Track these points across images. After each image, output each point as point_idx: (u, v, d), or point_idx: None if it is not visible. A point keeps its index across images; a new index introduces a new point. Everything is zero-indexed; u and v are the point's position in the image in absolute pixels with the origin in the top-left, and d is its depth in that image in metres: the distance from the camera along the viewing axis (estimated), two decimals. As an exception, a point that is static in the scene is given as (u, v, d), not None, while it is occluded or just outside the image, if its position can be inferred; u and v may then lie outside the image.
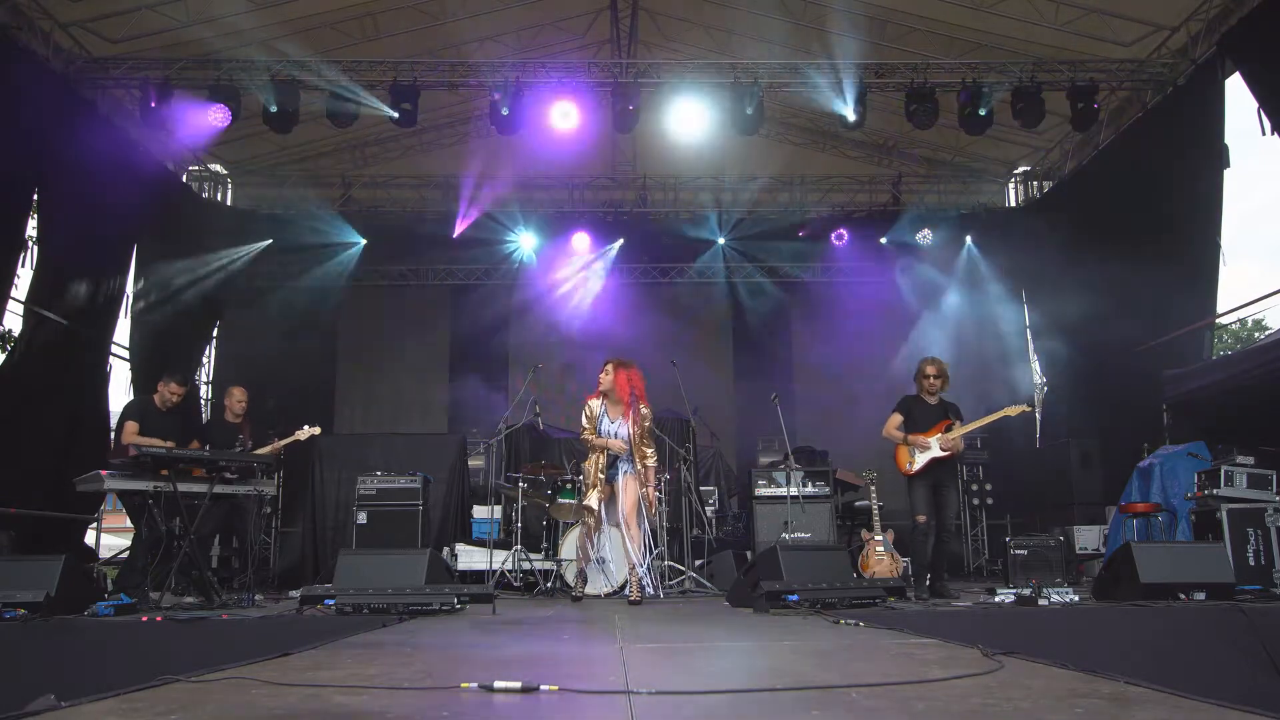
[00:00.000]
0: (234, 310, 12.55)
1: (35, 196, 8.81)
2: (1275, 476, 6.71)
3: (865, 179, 13.38)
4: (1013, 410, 6.79)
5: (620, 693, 2.33)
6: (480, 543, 8.44)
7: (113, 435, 8.27)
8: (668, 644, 3.72)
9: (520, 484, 8.11)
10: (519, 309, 13.63)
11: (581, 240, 13.24)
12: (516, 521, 8.01)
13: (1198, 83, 9.21)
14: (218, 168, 12.78)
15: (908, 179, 13.42)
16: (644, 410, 6.53)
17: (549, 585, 7.39)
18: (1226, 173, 8.82)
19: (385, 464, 8.61)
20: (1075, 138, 11.58)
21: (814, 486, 8.60)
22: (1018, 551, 7.76)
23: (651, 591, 6.79)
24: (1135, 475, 8.19)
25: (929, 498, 6.70)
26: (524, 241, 13.19)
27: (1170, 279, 9.08)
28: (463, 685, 2.37)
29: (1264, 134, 8.17)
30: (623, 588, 7.03)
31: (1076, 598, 5.39)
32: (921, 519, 6.69)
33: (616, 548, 6.94)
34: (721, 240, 13.36)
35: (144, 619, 4.68)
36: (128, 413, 7.24)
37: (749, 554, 8.06)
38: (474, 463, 10.18)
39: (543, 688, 2.28)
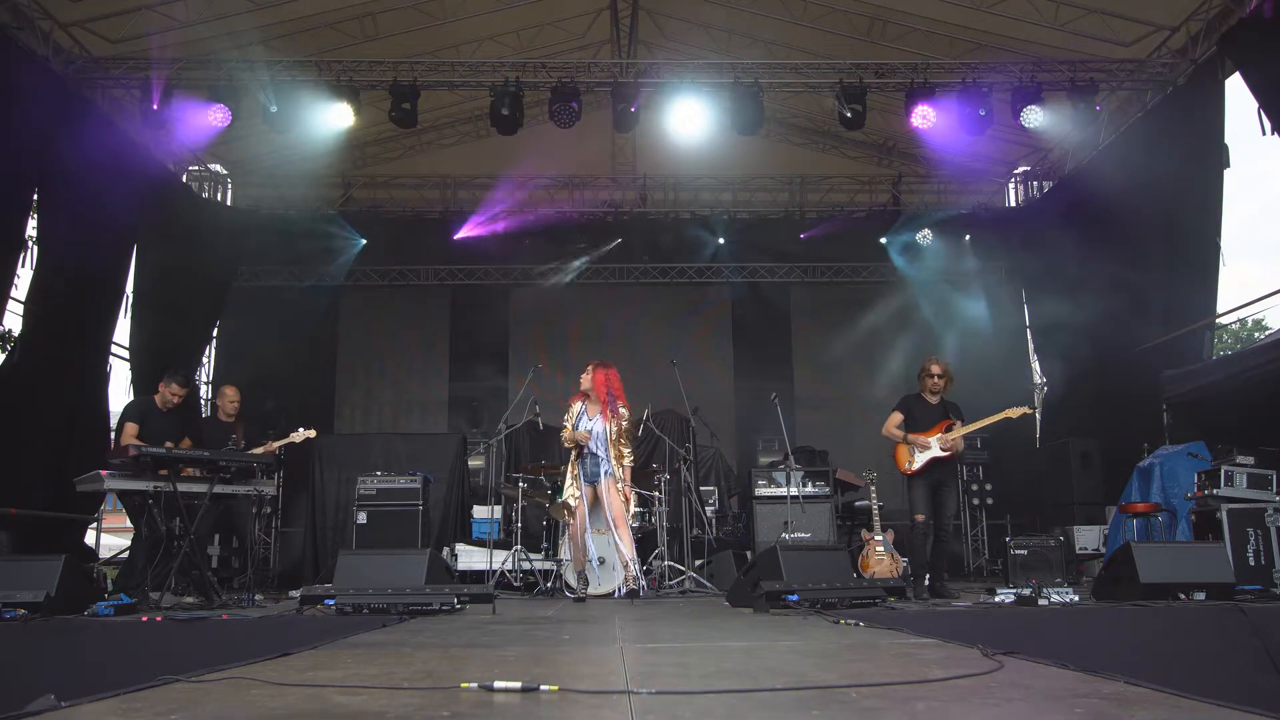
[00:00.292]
0: (234, 310, 12.55)
1: (35, 196, 8.81)
2: (1275, 476, 6.71)
3: (865, 179, 13.38)
4: (1014, 412, 6.79)
5: (620, 693, 2.33)
6: (480, 543, 8.44)
7: (113, 435, 8.27)
8: (668, 644, 3.72)
9: (520, 484, 8.11)
10: (519, 309, 13.63)
11: (582, 240, 13.24)
12: (516, 521, 8.01)
13: (1198, 83, 9.20)
14: (218, 168, 12.78)
15: (908, 179, 13.42)
16: (622, 410, 6.78)
17: (549, 585, 7.39)
18: (1226, 173, 8.82)
19: (385, 464, 8.62)
20: (1075, 137, 11.57)
21: (814, 486, 8.60)
22: (1018, 551, 7.77)
23: (645, 587, 6.92)
24: (1135, 475, 8.19)
25: (928, 497, 6.70)
26: (524, 241, 13.18)
27: (1170, 279, 9.09)
28: (463, 685, 2.37)
29: (1264, 134, 8.17)
30: (620, 588, 7.04)
31: (1076, 598, 5.39)
32: (920, 519, 6.69)
33: (611, 549, 6.97)
34: (721, 240, 13.35)
35: (144, 619, 4.68)
36: (128, 413, 7.23)
37: (749, 554, 8.06)
38: (474, 463, 10.19)
39: (543, 688, 2.28)
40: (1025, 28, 9.78)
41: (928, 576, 6.68)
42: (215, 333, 12.75)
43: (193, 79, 9.64)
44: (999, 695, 2.22)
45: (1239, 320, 18.75)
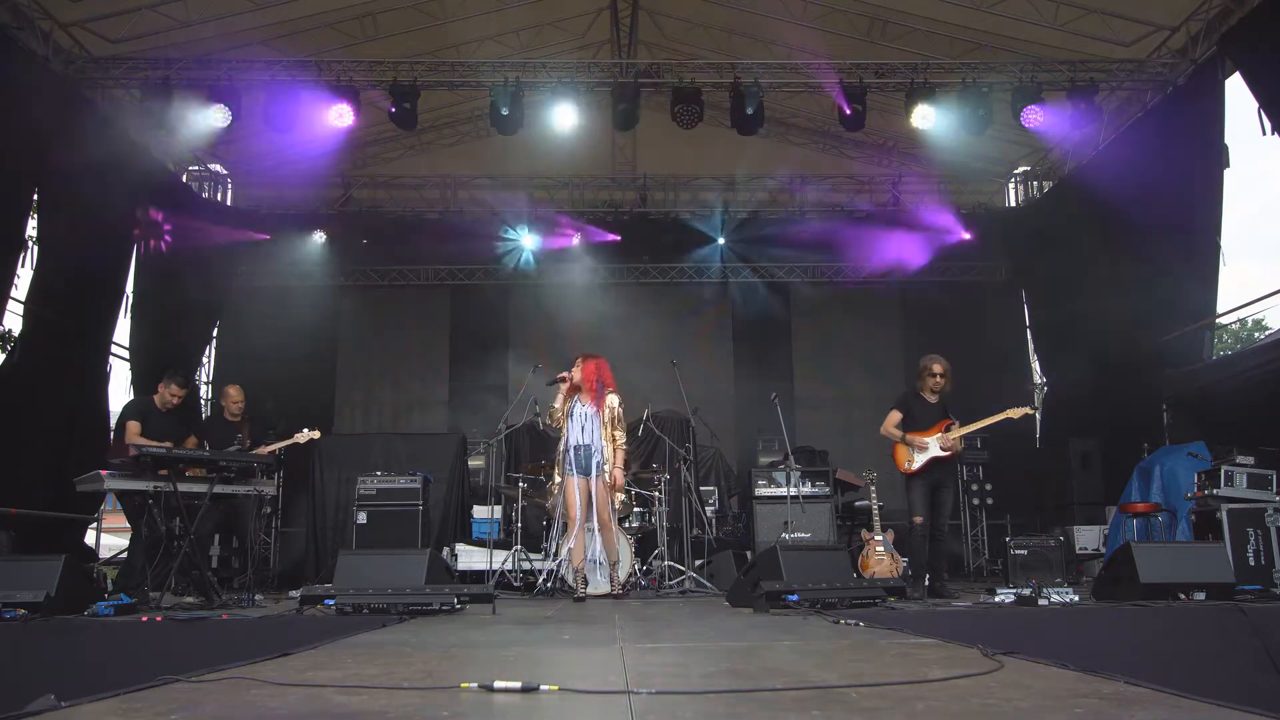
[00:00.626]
0: (234, 310, 12.55)
1: (35, 196, 8.80)
2: (1275, 476, 6.71)
3: (865, 179, 13.38)
4: (1015, 412, 6.76)
5: (620, 693, 2.33)
6: (480, 543, 8.44)
7: (113, 435, 8.27)
8: (668, 644, 3.72)
9: (520, 484, 8.11)
10: (519, 309, 13.63)
11: (581, 240, 13.24)
12: (516, 521, 8.01)
13: (1198, 83, 9.20)
14: (218, 168, 12.78)
15: (908, 179, 13.42)
16: (611, 396, 6.80)
17: (549, 585, 7.39)
18: (1226, 173, 8.82)
19: (385, 464, 8.62)
20: (1075, 137, 11.57)
21: (814, 486, 8.60)
22: (1018, 551, 7.76)
23: (634, 588, 7.00)
24: (1135, 475, 8.19)
25: (926, 497, 6.67)
26: (524, 241, 13.19)
27: (1170, 279, 9.09)
28: (463, 685, 2.37)
29: (1264, 134, 8.17)
30: (623, 588, 7.05)
31: (1076, 598, 5.38)
32: (918, 520, 6.66)
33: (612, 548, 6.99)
34: (721, 240, 13.35)
35: (144, 619, 4.68)
36: (128, 413, 7.23)
37: (749, 554, 8.06)
38: (474, 463, 10.18)
39: (543, 688, 2.28)
40: (1025, 28, 9.78)
41: (927, 577, 6.67)
42: (215, 333, 12.76)
43: (193, 79, 9.64)
44: (999, 695, 2.22)
45: (1239, 320, 18.75)
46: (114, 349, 10.18)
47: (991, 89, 9.79)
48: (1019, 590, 5.86)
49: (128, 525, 6.82)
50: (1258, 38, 8.27)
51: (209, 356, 12.77)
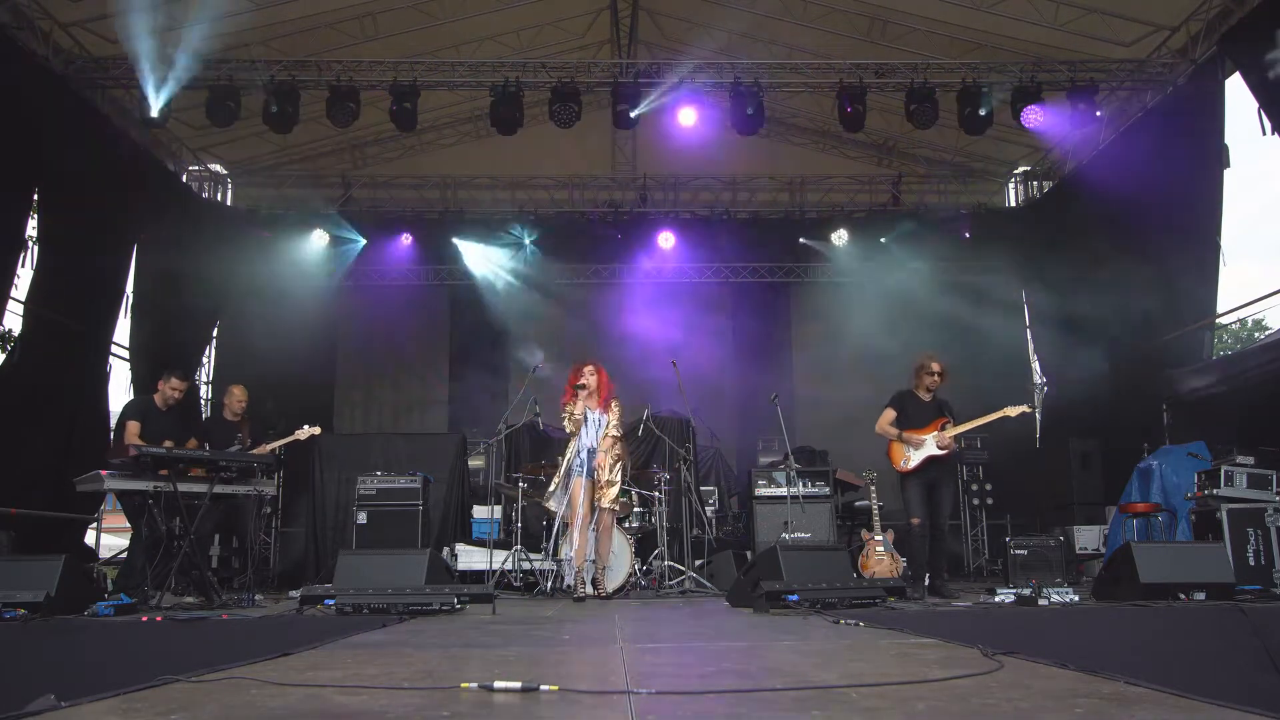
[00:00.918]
0: (234, 310, 12.55)
1: (35, 196, 8.81)
2: (1275, 476, 6.71)
3: (865, 179, 13.38)
4: (1012, 411, 6.74)
5: (620, 693, 2.33)
6: (480, 543, 8.44)
7: (113, 435, 8.27)
8: (668, 644, 3.72)
9: (520, 484, 8.11)
10: (519, 309, 13.62)
11: (581, 240, 13.25)
12: (516, 521, 8.01)
13: (1198, 83, 9.21)
14: (218, 168, 12.78)
15: (908, 179, 13.42)
16: (614, 405, 6.94)
17: (549, 585, 7.39)
18: (1226, 173, 8.82)
19: (385, 464, 8.62)
20: (1075, 137, 11.57)
21: (814, 486, 8.60)
22: (1018, 551, 7.76)
23: (641, 583, 7.12)
24: (1135, 475, 8.19)
25: (923, 497, 6.63)
26: (524, 241, 13.19)
27: (1170, 279, 9.09)
28: (463, 685, 2.37)
29: (1264, 134, 8.17)
30: (622, 588, 7.05)
31: (1076, 598, 5.39)
32: (915, 521, 6.63)
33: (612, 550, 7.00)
34: (721, 240, 13.35)
35: (144, 619, 4.68)
36: (128, 412, 7.23)
37: (749, 554, 8.06)
38: (474, 463, 10.18)
39: (543, 688, 2.28)
40: (1025, 28, 9.79)
41: (927, 576, 6.66)
42: (215, 333, 12.76)
43: (193, 79, 9.63)
44: (999, 695, 2.22)
45: (1239, 320, 18.75)
46: (114, 349, 10.18)
47: (991, 89, 9.79)
48: (1019, 590, 5.87)
49: (128, 525, 6.82)
50: (1258, 38, 8.26)
51: (209, 356, 12.77)
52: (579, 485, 6.72)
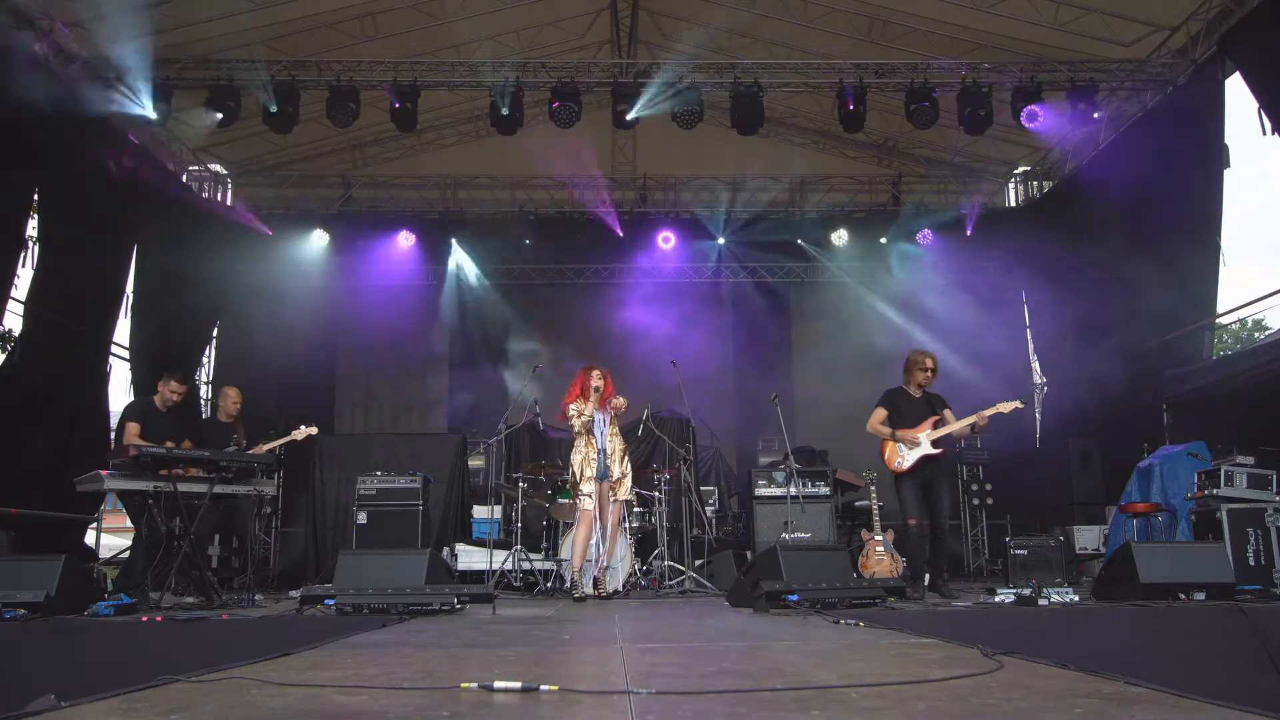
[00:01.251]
0: (234, 310, 12.55)
1: (35, 196, 8.81)
2: (1275, 476, 6.71)
3: (865, 179, 13.39)
4: (1005, 407, 6.61)
5: (620, 693, 2.33)
6: (480, 543, 8.44)
7: (113, 435, 8.27)
8: (668, 644, 3.72)
9: (520, 484, 8.11)
10: (520, 309, 13.63)
11: (580, 240, 13.25)
12: (516, 521, 8.01)
13: (1198, 83, 9.21)
14: (218, 168, 12.78)
15: (908, 179, 13.42)
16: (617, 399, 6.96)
17: (549, 585, 7.39)
18: (1226, 173, 8.83)
19: (385, 464, 8.62)
20: (1075, 137, 11.58)
21: (814, 486, 8.59)
22: (1018, 551, 7.76)
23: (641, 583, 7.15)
24: (1135, 475, 8.19)
25: (919, 497, 6.56)
26: (524, 241, 13.19)
27: (1170, 279, 9.09)
28: (463, 685, 2.37)
29: (1264, 134, 8.17)
30: (622, 588, 7.06)
31: (1076, 598, 5.38)
32: (913, 521, 6.59)
33: (617, 550, 7.02)
34: (722, 240, 13.36)
35: (144, 619, 4.68)
36: (129, 413, 7.23)
37: (749, 554, 8.06)
38: (474, 463, 10.19)
39: (543, 688, 2.28)
40: (1025, 28, 9.79)
41: (927, 576, 6.64)
42: (215, 333, 12.76)
43: (193, 79, 9.64)
44: (999, 695, 2.22)
45: (1239, 320, 18.75)
46: (114, 349, 10.18)
47: (991, 89, 9.79)
48: (1019, 590, 5.86)
49: (129, 525, 6.82)
50: (1258, 38, 8.27)
51: (209, 356, 12.77)
52: (596, 488, 6.76)
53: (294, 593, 6.69)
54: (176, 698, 2.26)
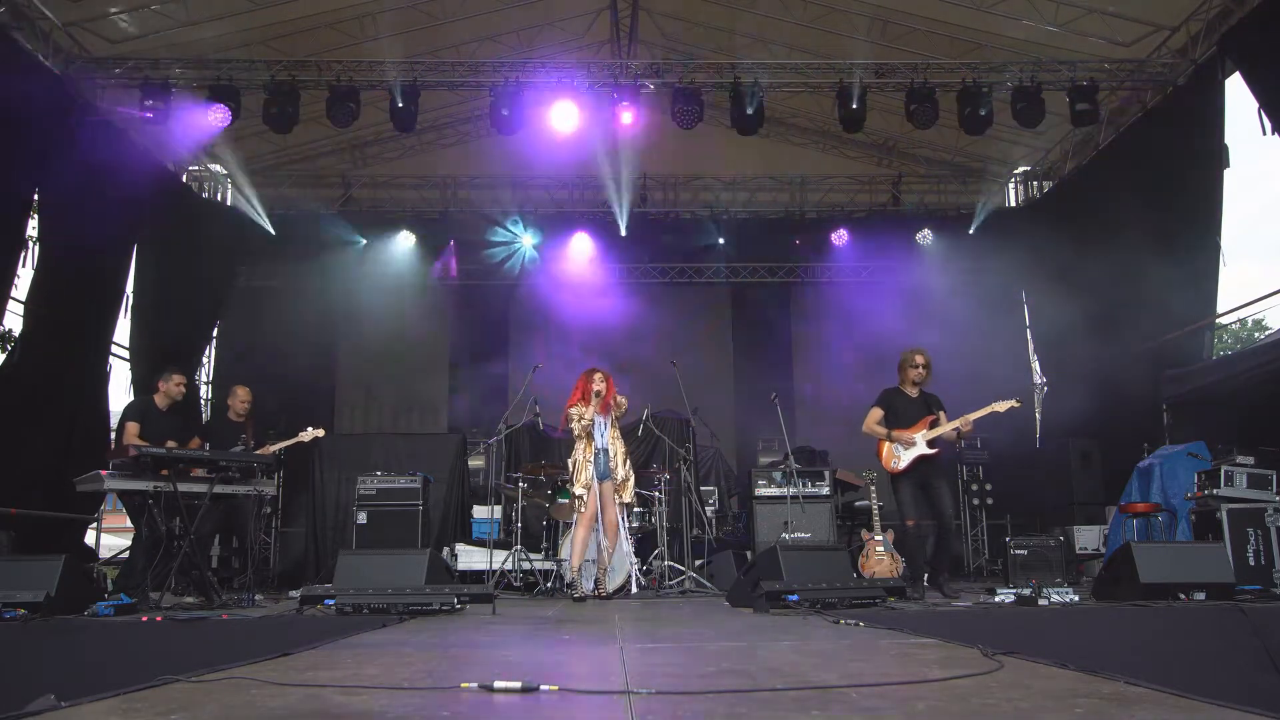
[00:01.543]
0: (234, 310, 12.55)
1: (35, 196, 8.81)
2: (1275, 476, 6.70)
3: (865, 179, 13.38)
4: (1000, 405, 6.60)
5: (620, 693, 2.33)
6: (480, 543, 8.44)
7: (113, 435, 8.27)
8: (668, 644, 3.72)
9: (520, 484, 8.11)
10: (519, 309, 13.63)
11: (581, 240, 13.25)
12: (516, 521, 8.01)
13: (1198, 83, 9.20)
14: (218, 168, 12.78)
15: (908, 179, 13.42)
16: (620, 399, 7.02)
17: (549, 585, 7.39)
18: (1226, 173, 8.82)
19: (385, 464, 8.61)
20: (1075, 137, 11.58)
21: (814, 486, 8.59)
22: (1018, 551, 7.75)
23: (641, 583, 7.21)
24: (1135, 475, 8.18)
25: (917, 497, 6.53)
26: (524, 241, 13.20)
27: (1170, 279, 9.08)
28: (463, 685, 2.37)
29: (1264, 134, 8.17)
30: (622, 588, 7.06)
31: (1076, 598, 5.38)
32: (910, 522, 6.58)
33: (617, 550, 7.02)
34: (721, 240, 13.36)
35: (144, 619, 4.67)
36: (128, 413, 7.23)
37: (749, 554, 8.06)
38: (474, 463, 10.18)
39: (543, 688, 2.28)
40: (1025, 28, 9.79)
41: (925, 576, 6.62)
42: (216, 333, 12.76)
43: (192, 79, 9.64)
44: (999, 695, 2.22)
45: (1239, 320, 18.75)
46: (114, 349, 10.18)
47: (991, 89, 9.79)
48: (1019, 590, 5.86)
49: (129, 525, 6.82)
50: (1258, 38, 8.27)
51: (209, 356, 12.77)
52: (596, 487, 6.77)
53: (294, 593, 6.69)
54: (176, 698, 2.26)
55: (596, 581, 6.71)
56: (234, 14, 9.34)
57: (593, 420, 6.85)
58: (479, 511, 9.28)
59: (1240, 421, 7.83)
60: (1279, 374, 7.66)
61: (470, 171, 13.12)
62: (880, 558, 7.31)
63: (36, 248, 8.89)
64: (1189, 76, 9.41)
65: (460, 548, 8.45)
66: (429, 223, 13.21)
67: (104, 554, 9.37)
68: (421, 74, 9.91)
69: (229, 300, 12.41)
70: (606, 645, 3.60)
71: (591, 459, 6.79)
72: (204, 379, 12.64)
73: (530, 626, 4.50)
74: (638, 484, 8.01)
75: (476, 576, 7.99)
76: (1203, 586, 5.24)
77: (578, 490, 6.74)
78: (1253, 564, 6.35)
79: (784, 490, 8.40)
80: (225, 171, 12.85)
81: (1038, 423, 12.45)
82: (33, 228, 8.97)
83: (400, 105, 9.67)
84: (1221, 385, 8.45)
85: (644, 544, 8.23)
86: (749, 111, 9.84)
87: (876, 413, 6.78)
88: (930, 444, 6.55)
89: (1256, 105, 8.21)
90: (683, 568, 7.87)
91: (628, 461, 6.96)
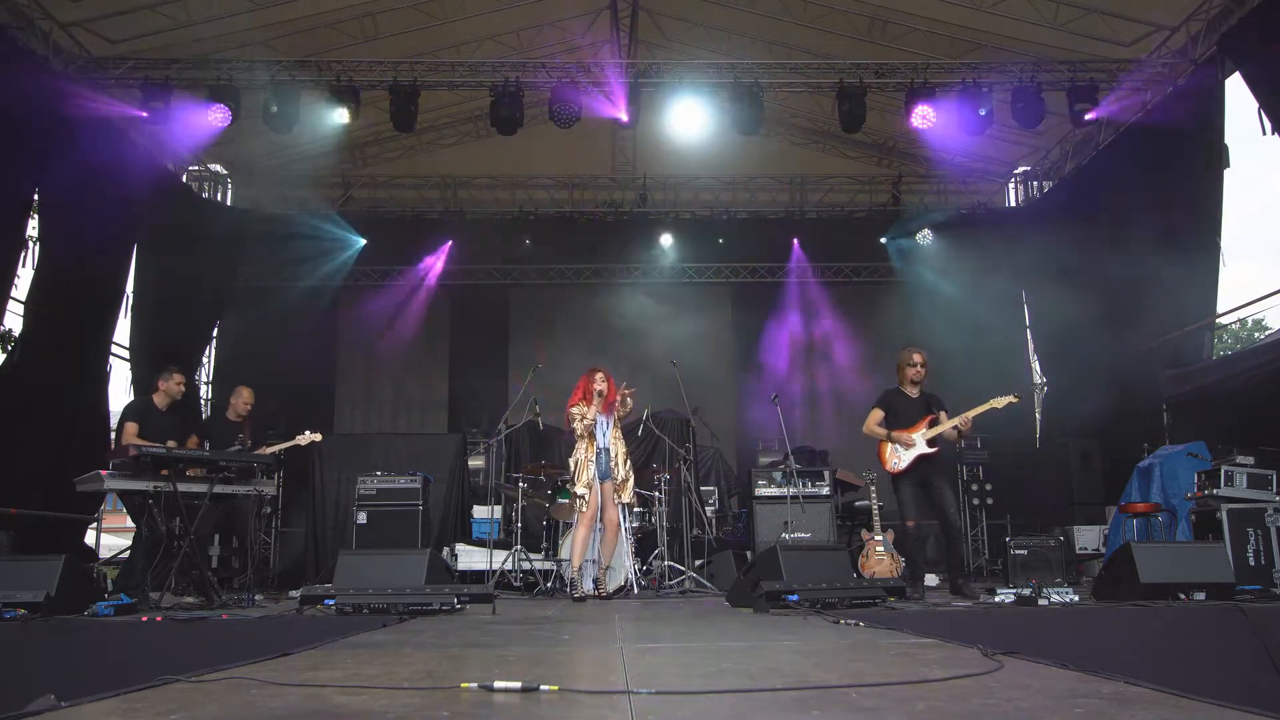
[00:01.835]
0: (234, 310, 12.55)
1: (35, 196, 8.81)
2: (1275, 476, 6.70)
3: (865, 179, 13.38)
4: (999, 402, 6.58)
5: (620, 693, 2.33)
6: (480, 543, 8.44)
7: (113, 436, 8.27)
8: (668, 644, 3.72)
9: (520, 484, 8.11)
10: (519, 309, 13.64)
11: (581, 240, 13.25)
12: (516, 521, 8.01)
13: (1198, 83, 9.20)
14: (218, 168, 12.78)
15: (908, 179, 13.42)
16: (626, 393, 7.04)
17: (549, 585, 7.39)
18: (1226, 173, 8.82)
19: (385, 464, 8.62)
20: (1075, 137, 11.57)
21: (814, 486, 8.59)
22: (1018, 551, 7.74)
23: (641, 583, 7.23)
24: (1135, 475, 8.19)
25: (917, 498, 6.51)
26: (523, 241, 13.19)
27: (1170, 279, 9.08)
28: (463, 685, 2.37)
29: (1264, 134, 8.17)
30: (622, 588, 7.06)
31: (1076, 598, 5.38)
32: (910, 523, 6.56)
33: (618, 551, 7.03)
34: (721, 240, 13.36)
35: (144, 619, 4.67)
36: (128, 413, 7.23)
37: (749, 554, 8.06)
38: (474, 463, 10.18)
39: (543, 688, 2.28)
40: (1025, 28, 9.78)
41: (929, 577, 6.60)
42: (216, 333, 12.76)
43: (193, 79, 9.64)
44: (999, 695, 2.22)
45: (1239, 320, 18.75)
46: (114, 349, 10.18)
47: (991, 89, 9.79)
48: (1019, 590, 5.85)
49: (129, 525, 6.82)
50: (1258, 38, 8.26)
51: (209, 356, 12.77)
52: (598, 487, 6.78)
53: (294, 593, 6.69)
54: (176, 698, 2.26)
55: (596, 581, 6.71)
56: (234, 14, 9.34)
57: (595, 420, 6.85)
58: (479, 511, 9.28)
59: (1240, 421, 7.83)
60: (1279, 374, 7.66)
61: (470, 171, 13.12)
62: (880, 558, 7.31)
63: (36, 248, 8.88)
64: (1189, 76, 9.41)
65: (460, 548, 8.45)
66: (429, 223, 13.21)
67: (104, 554, 9.37)
68: (421, 74, 9.91)
69: (229, 300, 12.41)
70: (606, 645, 3.60)
71: (593, 459, 6.79)
72: (204, 379, 12.64)
73: (530, 626, 4.50)
74: (638, 484, 8.01)
75: (476, 576, 7.99)
76: (1203, 586, 5.24)
77: (579, 490, 6.73)
78: (1253, 564, 6.34)
79: (784, 490, 8.40)
80: (225, 171, 12.86)
81: (1038, 423, 12.46)
82: (33, 228, 8.98)
83: (400, 105, 9.66)
84: (1221, 385, 8.45)
85: (644, 544, 8.23)
86: (749, 111, 9.84)
87: (877, 414, 6.76)
88: (930, 443, 6.53)
89: (1256, 105, 8.21)
90: (683, 568, 7.88)
91: (628, 462, 6.96)
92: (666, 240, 13.32)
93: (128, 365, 10.39)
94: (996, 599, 5.78)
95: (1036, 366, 12.99)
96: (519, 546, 7.85)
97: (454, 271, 13.36)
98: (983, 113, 9.73)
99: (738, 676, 2.71)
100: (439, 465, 8.99)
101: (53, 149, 8.61)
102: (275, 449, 7.68)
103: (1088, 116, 9.73)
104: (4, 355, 9.00)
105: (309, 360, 12.55)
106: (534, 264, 13.38)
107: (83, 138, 9.00)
